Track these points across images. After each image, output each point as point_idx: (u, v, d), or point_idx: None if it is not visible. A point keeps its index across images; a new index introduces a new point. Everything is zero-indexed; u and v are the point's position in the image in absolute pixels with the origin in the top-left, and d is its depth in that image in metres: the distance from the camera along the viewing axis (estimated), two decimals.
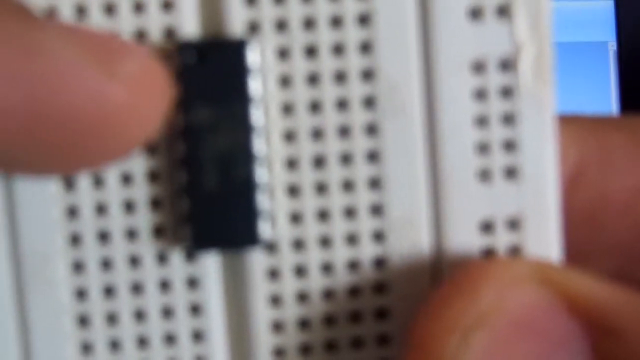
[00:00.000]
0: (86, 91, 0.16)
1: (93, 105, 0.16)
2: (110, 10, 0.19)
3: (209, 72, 0.19)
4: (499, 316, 0.19)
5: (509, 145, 0.20)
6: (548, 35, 0.20)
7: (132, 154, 0.18)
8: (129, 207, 0.19)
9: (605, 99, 0.50)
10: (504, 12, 0.20)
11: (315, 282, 0.20)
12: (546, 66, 0.20)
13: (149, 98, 0.17)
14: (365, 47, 0.19)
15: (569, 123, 0.22)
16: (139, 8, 0.19)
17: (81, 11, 0.19)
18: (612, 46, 0.50)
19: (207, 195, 0.19)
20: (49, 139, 0.16)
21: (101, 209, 0.19)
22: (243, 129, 0.19)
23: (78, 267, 0.19)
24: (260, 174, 0.19)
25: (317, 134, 0.19)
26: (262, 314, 0.20)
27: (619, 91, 0.50)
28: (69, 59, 0.16)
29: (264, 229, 0.19)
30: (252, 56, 0.19)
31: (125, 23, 0.19)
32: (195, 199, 0.19)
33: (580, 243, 0.22)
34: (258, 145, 0.19)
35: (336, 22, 0.19)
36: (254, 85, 0.19)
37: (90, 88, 0.16)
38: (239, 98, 0.19)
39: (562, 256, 0.20)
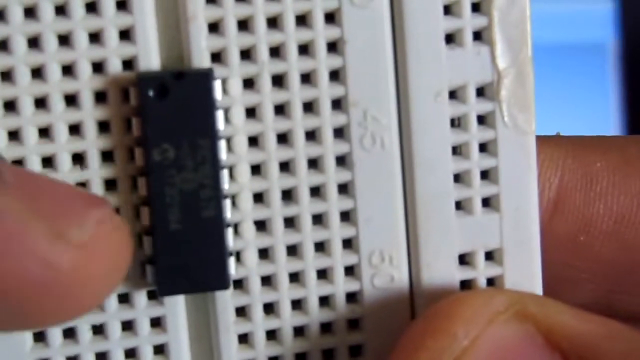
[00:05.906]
0: (30, 255, 0.15)
1: (37, 269, 0.15)
2: (65, 38, 0.17)
3: (172, 106, 0.17)
4: (474, 356, 0.18)
5: (489, 175, 0.19)
6: (529, 61, 0.19)
7: (87, 313, 0.17)
8: None
9: (604, 99, 0.50)
10: (482, 36, 0.18)
11: (287, 319, 0.19)
12: (527, 92, 0.19)
13: (100, 263, 0.16)
14: (337, 75, 0.18)
15: (550, 145, 0.21)
16: (95, 36, 0.18)
17: (35, 39, 0.17)
18: (612, 47, 0.49)
19: (173, 236, 0.18)
20: None
21: None
22: (210, 165, 0.18)
23: None
24: (229, 212, 0.18)
25: (288, 167, 0.18)
26: (232, 354, 0.19)
27: (619, 92, 0.49)
28: (15, 220, 0.15)
29: (234, 269, 0.18)
30: (218, 87, 0.18)
31: (81, 52, 0.17)
32: (160, 240, 0.18)
33: (564, 268, 0.21)
34: (226, 182, 0.18)
35: (306, 49, 0.18)
36: (221, 119, 0.18)
37: (34, 252, 0.15)
38: (204, 133, 0.18)
39: (543, 286, 0.19)
